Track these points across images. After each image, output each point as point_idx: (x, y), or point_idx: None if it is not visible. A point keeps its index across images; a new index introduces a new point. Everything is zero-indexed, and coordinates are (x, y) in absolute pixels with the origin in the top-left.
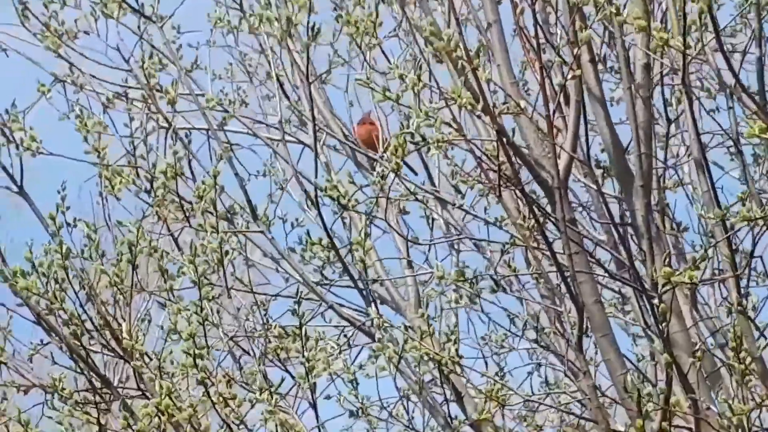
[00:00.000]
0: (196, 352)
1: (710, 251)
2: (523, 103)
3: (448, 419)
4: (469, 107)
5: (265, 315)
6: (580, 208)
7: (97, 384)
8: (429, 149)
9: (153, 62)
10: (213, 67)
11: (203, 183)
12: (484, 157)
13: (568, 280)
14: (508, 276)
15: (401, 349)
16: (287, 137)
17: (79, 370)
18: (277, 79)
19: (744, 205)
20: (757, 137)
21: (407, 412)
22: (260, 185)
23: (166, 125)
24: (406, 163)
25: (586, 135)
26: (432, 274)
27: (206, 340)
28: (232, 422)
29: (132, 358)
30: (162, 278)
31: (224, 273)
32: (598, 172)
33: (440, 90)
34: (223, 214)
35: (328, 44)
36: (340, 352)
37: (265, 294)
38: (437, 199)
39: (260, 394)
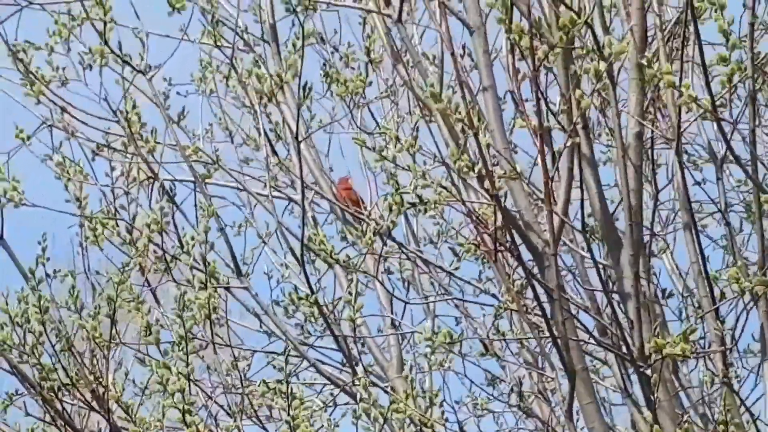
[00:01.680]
0: (185, 407)
1: (696, 322)
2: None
3: None
4: (465, 170)
5: (246, 371)
6: (565, 274)
7: None
8: (425, 210)
9: (136, 111)
10: (201, 121)
11: (191, 238)
12: (479, 221)
13: (560, 346)
14: (497, 339)
15: (387, 410)
16: (275, 193)
17: (51, 422)
18: (266, 135)
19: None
20: None
21: None
22: (242, 242)
23: (148, 176)
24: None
25: (582, 203)
26: (415, 332)
27: (190, 396)
28: None
29: (110, 411)
30: (144, 332)
31: (211, 327)
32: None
33: (438, 152)
34: (212, 270)
35: (317, 101)
36: (325, 410)
37: (246, 349)
38: (422, 261)
39: None
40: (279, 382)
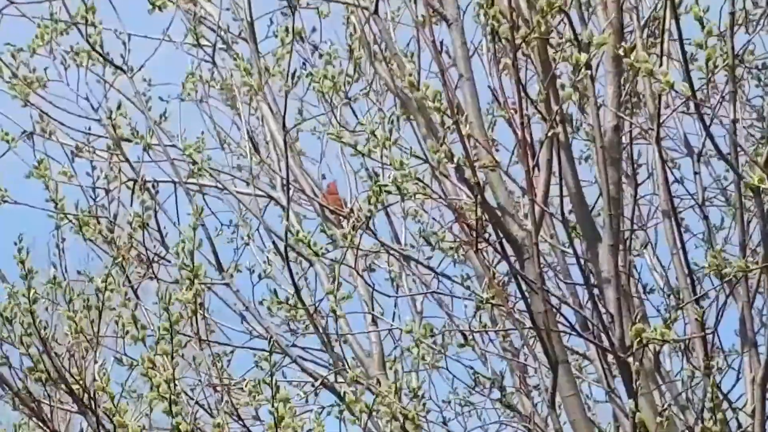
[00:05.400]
0: (171, 398)
1: (676, 313)
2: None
3: None
4: (444, 161)
5: (227, 367)
6: (546, 270)
7: None
8: (403, 199)
9: (120, 113)
10: (184, 120)
11: (182, 240)
12: (460, 212)
13: (543, 336)
14: (477, 331)
15: (372, 405)
16: (256, 191)
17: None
18: (248, 133)
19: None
20: (757, 187)
21: None
22: (225, 239)
23: (131, 177)
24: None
25: (561, 197)
26: (398, 329)
27: (174, 390)
28: None
29: (95, 407)
30: (129, 325)
31: (196, 323)
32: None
33: (421, 142)
34: (198, 267)
35: (299, 99)
36: (306, 401)
37: (231, 345)
38: (403, 257)
39: None
40: (262, 380)
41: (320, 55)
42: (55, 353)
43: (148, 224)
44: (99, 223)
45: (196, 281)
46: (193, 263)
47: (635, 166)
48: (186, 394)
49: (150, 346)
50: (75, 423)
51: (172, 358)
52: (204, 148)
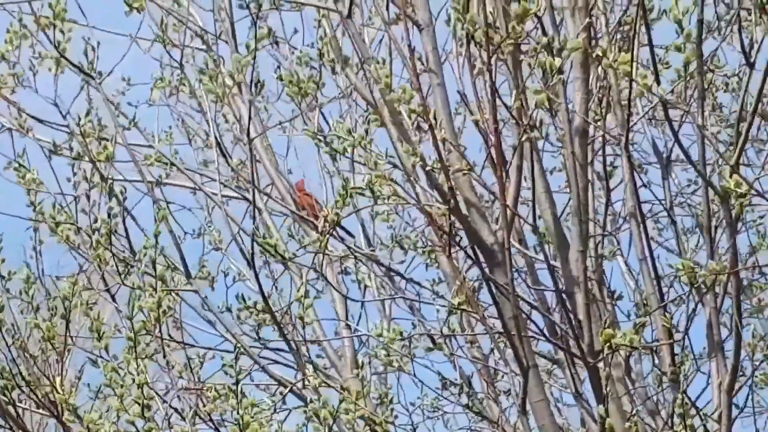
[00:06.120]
0: (144, 402)
1: (645, 320)
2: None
3: None
4: (420, 164)
5: (198, 372)
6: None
7: None
8: (376, 201)
9: (89, 119)
10: (156, 125)
11: (144, 247)
12: (433, 217)
13: (513, 340)
14: (447, 335)
15: (336, 410)
16: (231, 193)
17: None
18: (215, 137)
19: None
20: (733, 191)
21: None
22: (198, 243)
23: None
24: (343, 227)
25: (533, 198)
26: (368, 336)
27: (143, 395)
28: None
29: (62, 413)
30: (96, 335)
31: (160, 330)
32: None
33: (396, 146)
34: (161, 273)
35: (272, 104)
36: (275, 411)
37: (198, 347)
38: (373, 261)
39: None
40: (230, 387)
41: (298, 58)
42: (30, 355)
43: (116, 231)
44: (79, 230)
45: (159, 287)
46: (155, 270)
47: (607, 172)
48: (160, 397)
49: (114, 355)
50: (51, 426)
51: (137, 365)
52: (172, 143)
